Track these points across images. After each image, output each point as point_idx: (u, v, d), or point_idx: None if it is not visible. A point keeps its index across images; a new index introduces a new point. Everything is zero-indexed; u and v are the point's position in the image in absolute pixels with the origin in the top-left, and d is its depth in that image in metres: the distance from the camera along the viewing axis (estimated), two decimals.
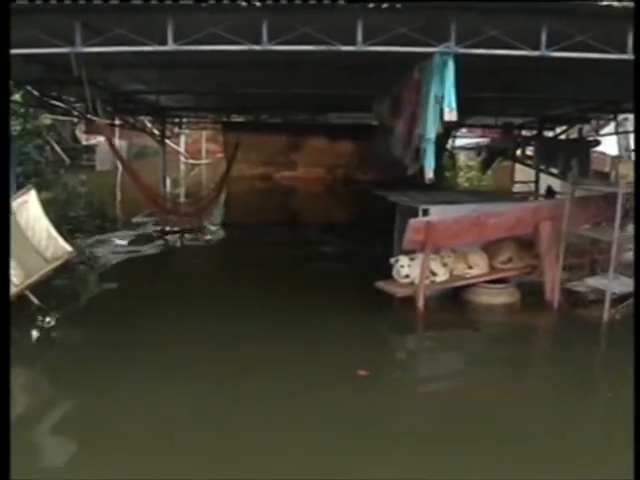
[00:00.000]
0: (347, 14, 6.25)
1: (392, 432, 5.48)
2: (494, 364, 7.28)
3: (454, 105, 6.72)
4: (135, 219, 15.97)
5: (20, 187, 9.54)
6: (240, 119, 22.54)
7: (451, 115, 6.71)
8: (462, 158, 28.46)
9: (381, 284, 8.60)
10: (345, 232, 14.86)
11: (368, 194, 12.79)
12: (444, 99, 6.76)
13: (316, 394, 6.13)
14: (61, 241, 8.12)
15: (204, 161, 31.50)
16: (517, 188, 20.06)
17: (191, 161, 30.87)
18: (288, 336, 7.62)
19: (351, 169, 22.21)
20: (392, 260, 8.64)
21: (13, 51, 6.92)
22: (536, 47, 6.69)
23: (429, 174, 7.48)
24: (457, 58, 6.67)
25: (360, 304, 8.47)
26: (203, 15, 6.27)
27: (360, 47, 6.52)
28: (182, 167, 29.44)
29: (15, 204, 8.11)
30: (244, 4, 6.08)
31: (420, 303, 8.33)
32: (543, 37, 6.60)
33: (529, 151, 18.94)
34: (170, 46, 6.53)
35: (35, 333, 7.68)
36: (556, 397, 6.27)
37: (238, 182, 19.33)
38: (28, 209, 8.14)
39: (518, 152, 19.00)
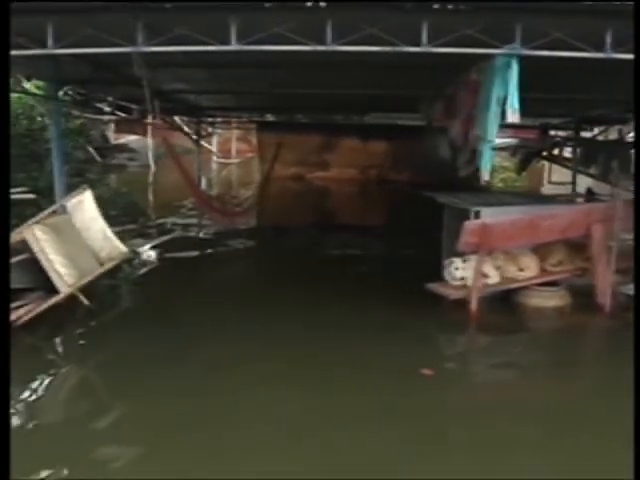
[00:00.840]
0: (413, 15, 6.20)
1: (443, 426, 5.71)
2: (546, 365, 7.24)
3: (517, 106, 6.66)
4: (174, 215, 16.12)
5: (70, 187, 9.63)
6: (273, 119, 22.60)
7: (514, 117, 6.65)
8: (496, 159, 28.21)
9: (433, 286, 8.54)
10: (383, 233, 14.78)
11: (403, 195, 12.72)
12: (507, 100, 6.71)
13: (376, 391, 6.20)
14: (117, 242, 8.14)
15: (235, 160, 31.61)
16: (551, 189, 19.83)
17: (222, 160, 30.97)
18: (336, 336, 7.63)
19: (385, 169, 22.14)
20: (446, 262, 8.58)
21: (68, 51, 7.00)
22: (597, 48, 6.62)
23: (485, 176, 7.48)
24: (521, 59, 6.61)
25: (408, 306, 8.41)
26: (267, 15, 6.24)
27: (425, 48, 6.47)
28: (214, 166, 29.52)
29: (70, 204, 8.17)
30: (309, 4, 6.06)
31: (473, 305, 8.26)
32: (608, 38, 6.50)
33: (566, 152, 18.76)
34: (234, 46, 6.50)
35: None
36: (606, 398, 6.24)
37: (271, 182, 19.33)
38: (84, 209, 8.17)
39: (556, 152, 18.80)
